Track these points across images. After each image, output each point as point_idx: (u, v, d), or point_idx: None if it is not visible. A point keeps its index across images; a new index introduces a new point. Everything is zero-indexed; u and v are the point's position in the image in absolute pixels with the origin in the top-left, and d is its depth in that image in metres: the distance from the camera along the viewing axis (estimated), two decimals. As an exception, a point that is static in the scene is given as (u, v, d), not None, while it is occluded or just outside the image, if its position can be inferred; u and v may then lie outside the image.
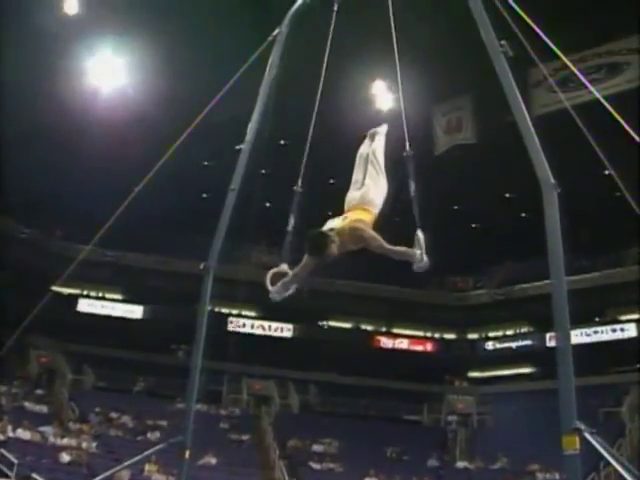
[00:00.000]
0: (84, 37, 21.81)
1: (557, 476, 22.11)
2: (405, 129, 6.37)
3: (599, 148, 5.90)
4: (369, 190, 6.06)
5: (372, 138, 6.54)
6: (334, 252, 5.63)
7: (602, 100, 5.76)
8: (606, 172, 6.07)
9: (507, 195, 28.76)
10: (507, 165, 23.90)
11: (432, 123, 24.32)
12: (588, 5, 18.98)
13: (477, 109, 23.60)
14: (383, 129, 6.64)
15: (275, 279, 6.10)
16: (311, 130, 6.97)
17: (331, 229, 5.70)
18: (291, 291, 6.11)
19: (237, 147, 7.54)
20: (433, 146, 24.46)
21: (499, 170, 25.13)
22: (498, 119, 21.18)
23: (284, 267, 6.18)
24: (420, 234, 5.67)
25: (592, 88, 5.99)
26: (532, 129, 5.70)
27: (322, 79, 7.10)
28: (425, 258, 5.59)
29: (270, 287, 6.07)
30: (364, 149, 6.45)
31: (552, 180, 5.52)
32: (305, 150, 6.81)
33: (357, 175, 6.29)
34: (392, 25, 6.74)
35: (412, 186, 6.02)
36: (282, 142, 24.19)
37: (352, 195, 6.16)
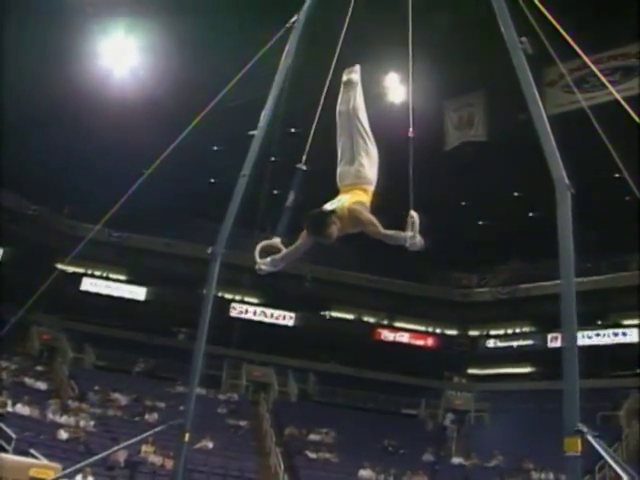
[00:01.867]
0: (97, 18, 21.77)
1: (551, 476, 22.15)
2: (410, 114, 6.29)
3: (613, 151, 5.88)
4: (362, 166, 5.91)
5: (348, 88, 6.24)
6: (334, 233, 5.52)
7: (622, 101, 5.74)
8: (617, 175, 6.05)
9: (515, 194, 28.69)
10: (517, 164, 23.86)
11: (443, 118, 24.23)
12: (604, 7, 18.89)
13: (489, 106, 23.50)
14: (357, 74, 6.31)
15: (264, 251, 6.03)
16: (318, 113, 6.91)
17: (332, 210, 5.59)
18: (277, 269, 6.00)
19: (250, 132, 7.53)
20: (443, 141, 24.39)
21: (508, 168, 25.05)
22: (510, 117, 21.17)
23: (277, 241, 6.14)
24: (414, 214, 5.48)
25: (612, 89, 5.95)
26: (549, 128, 5.68)
27: (332, 69, 7.06)
28: (418, 238, 5.41)
29: (258, 259, 5.98)
30: (343, 107, 6.19)
31: (567, 180, 5.51)
32: (311, 130, 6.72)
33: (344, 142, 6.08)
34: (410, 18, 6.69)
35: (410, 168, 5.91)
36: (292, 130, 24.16)
37: (345, 171, 6.00)
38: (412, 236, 5.36)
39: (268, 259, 6.01)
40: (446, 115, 24.29)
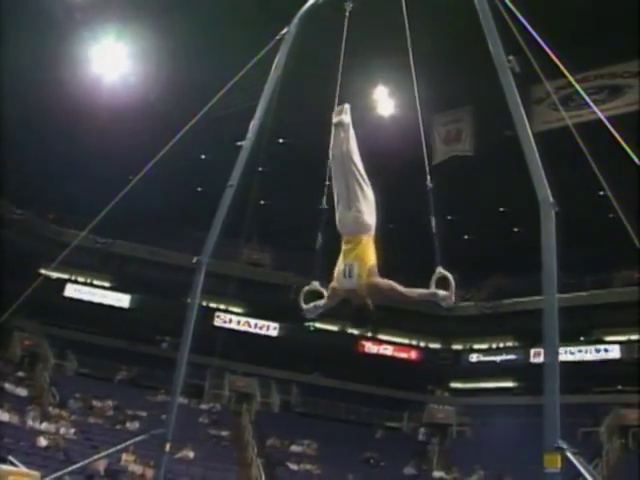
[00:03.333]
0: (88, 24, 21.78)
1: (532, 492, 22.16)
2: (426, 162, 6.37)
3: (597, 168, 5.94)
4: (360, 214, 5.95)
5: (339, 130, 6.21)
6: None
7: (605, 120, 5.81)
8: (601, 193, 6.11)
9: (501, 209, 28.86)
10: (503, 179, 24.04)
11: (431, 132, 24.37)
12: (591, 28, 19.11)
13: (477, 122, 23.67)
14: (347, 115, 6.28)
15: (308, 296, 6.35)
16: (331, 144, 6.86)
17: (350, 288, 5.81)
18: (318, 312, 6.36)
19: (238, 143, 7.56)
20: (431, 155, 24.50)
21: (494, 184, 25.23)
22: (497, 133, 21.32)
23: (316, 284, 6.40)
24: (449, 275, 5.87)
25: (596, 108, 6.03)
26: (534, 146, 5.74)
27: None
28: (453, 298, 5.76)
29: (303, 305, 6.30)
30: (336, 149, 6.18)
31: (551, 199, 5.56)
32: (328, 168, 6.63)
33: (339, 186, 6.09)
34: (407, 33, 6.73)
35: (433, 222, 6.05)
36: (280, 140, 24.21)
37: (344, 217, 6.03)
38: (448, 295, 5.52)
39: (311, 305, 6.33)
40: (434, 129, 24.42)
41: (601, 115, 5.90)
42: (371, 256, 5.87)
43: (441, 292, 5.66)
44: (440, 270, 5.82)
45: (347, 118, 6.26)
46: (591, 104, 6.25)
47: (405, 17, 6.82)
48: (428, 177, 6.33)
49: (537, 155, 5.70)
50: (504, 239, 28.74)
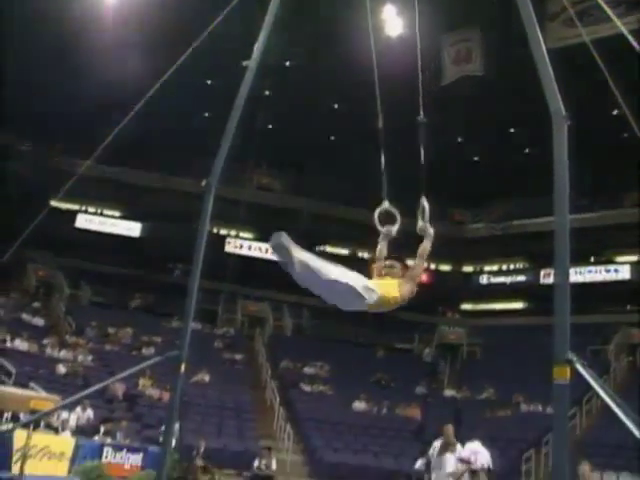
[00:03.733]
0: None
1: (540, 408, 22.65)
2: (420, 95, 6.22)
3: (613, 85, 5.80)
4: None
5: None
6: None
7: (626, 33, 5.61)
8: (615, 112, 6.00)
9: (512, 130, 28.49)
10: (514, 99, 23.62)
11: (441, 53, 23.85)
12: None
13: (487, 40, 23.13)
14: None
15: (381, 218, 6.33)
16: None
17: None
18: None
19: (244, 63, 7.40)
20: (440, 76, 24.06)
21: (505, 104, 24.82)
22: (508, 51, 20.85)
23: (386, 204, 6.39)
24: (425, 203, 5.90)
25: (618, 22, 5.82)
26: (547, 57, 5.59)
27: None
28: (430, 229, 5.87)
29: (380, 227, 6.27)
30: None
31: (564, 111, 5.44)
32: (376, 89, 6.52)
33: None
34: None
35: (422, 153, 5.98)
36: (287, 64, 23.79)
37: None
38: (424, 226, 5.55)
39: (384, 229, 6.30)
40: (443, 49, 23.90)
41: (624, 29, 5.70)
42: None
43: (419, 223, 5.76)
44: (423, 201, 5.96)
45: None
46: (613, 17, 6.02)
47: None
48: (421, 111, 6.17)
49: (550, 68, 5.55)
50: (515, 160, 28.47)
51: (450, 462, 11.29)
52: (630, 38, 5.54)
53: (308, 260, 5.00)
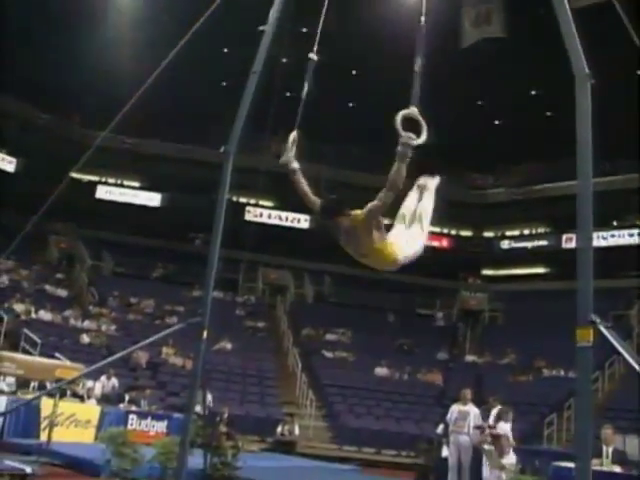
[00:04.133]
0: None
1: (562, 372, 22.64)
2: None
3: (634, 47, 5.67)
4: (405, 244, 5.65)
5: (421, 192, 5.91)
6: (341, 225, 5.48)
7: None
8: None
9: (533, 92, 28.05)
10: (535, 61, 23.22)
11: (460, 14, 23.43)
12: None
13: (507, 1, 22.68)
14: (434, 183, 5.97)
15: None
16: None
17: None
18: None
19: (260, 28, 7.34)
20: (459, 39, 23.67)
21: (526, 67, 24.41)
22: (529, 12, 20.44)
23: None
24: (415, 110, 5.27)
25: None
26: (570, 18, 5.47)
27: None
28: (424, 136, 5.16)
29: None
30: (410, 204, 5.86)
31: (587, 70, 5.33)
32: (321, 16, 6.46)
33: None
34: None
35: (418, 61, 5.67)
36: (304, 30, 23.50)
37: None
38: (408, 137, 5.00)
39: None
40: (463, 11, 23.47)
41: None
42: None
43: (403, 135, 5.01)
44: (413, 109, 5.25)
45: (433, 185, 5.95)
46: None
47: None
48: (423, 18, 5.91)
49: (573, 27, 5.43)
50: (536, 124, 28.07)
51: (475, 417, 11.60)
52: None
53: None
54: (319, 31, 6.45)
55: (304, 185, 5.71)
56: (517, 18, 22.50)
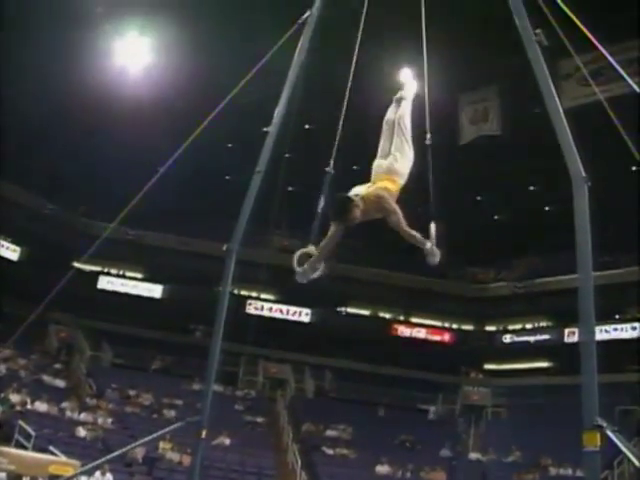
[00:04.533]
0: (109, 18, 21.91)
1: (570, 471, 22.04)
2: (427, 116, 6.34)
3: (630, 142, 5.82)
4: (396, 161, 6.07)
5: (399, 102, 6.48)
6: (357, 217, 5.72)
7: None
8: (634, 168, 6.02)
9: (531, 188, 28.52)
10: (532, 158, 23.73)
11: (458, 112, 24.12)
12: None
13: (504, 100, 23.37)
14: (410, 92, 6.57)
15: (302, 260, 6.06)
16: (343, 112, 6.97)
17: (356, 194, 5.76)
18: (318, 273, 6.07)
19: (265, 129, 7.55)
20: (458, 136, 24.28)
21: (523, 163, 24.93)
22: (525, 111, 21.04)
23: (311, 248, 6.18)
24: (433, 226, 5.76)
25: (630, 80, 5.89)
26: (565, 121, 5.65)
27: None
28: (436, 251, 5.63)
29: (297, 268, 6.00)
30: (390, 115, 6.41)
31: (583, 173, 5.47)
32: (337, 132, 6.78)
33: (384, 143, 6.28)
34: (422, 13, 6.70)
35: (430, 177, 6.06)
36: (307, 126, 24.12)
37: (379, 163, 6.17)
38: (431, 246, 5.49)
39: (306, 265, 6.03)
40: (461, 109, 24.17)
41: (636, 87, 5.76)
42: (392, 186, 5.92)
43: (430, 246, 5.61)
44: (431, 224, 5.80)
45: (408, 93, 6.54)
46: (625, 76, 6.11)
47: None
48: (428, 134, 6.30)
49: (568, 129, 5.61)
50: (535, 218, 28.41)
51: None
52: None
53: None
54: (335, 146, 6.73)
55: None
56: (514, 116, 23.13)
